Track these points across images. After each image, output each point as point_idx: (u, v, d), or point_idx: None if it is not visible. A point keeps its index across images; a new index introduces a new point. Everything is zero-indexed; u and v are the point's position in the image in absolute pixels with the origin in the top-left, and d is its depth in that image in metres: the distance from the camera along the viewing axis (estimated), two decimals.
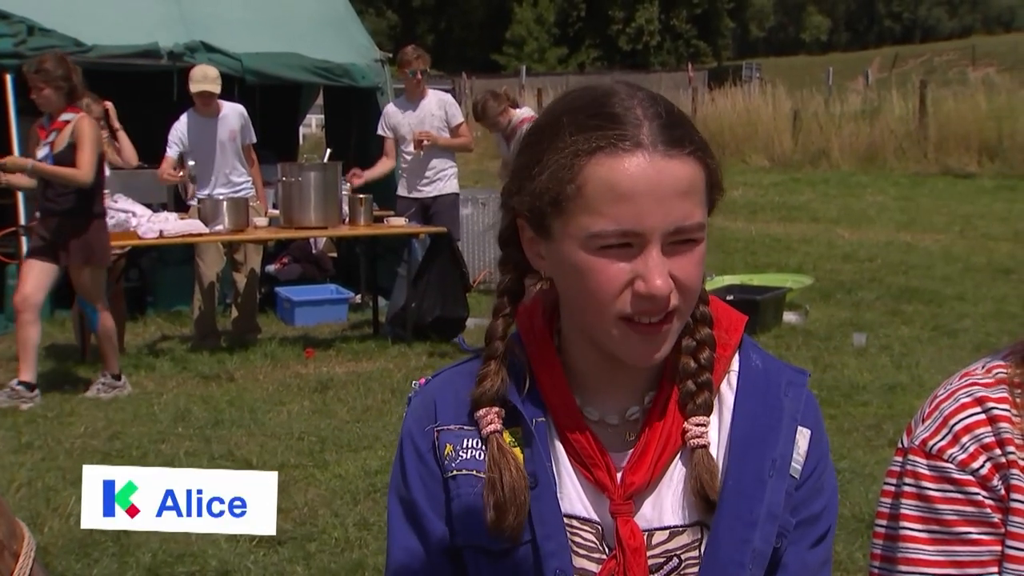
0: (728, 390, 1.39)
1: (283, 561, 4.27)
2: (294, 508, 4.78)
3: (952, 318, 8.64)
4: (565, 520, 1.35)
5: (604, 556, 1.35)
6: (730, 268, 10.28)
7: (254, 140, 8.39)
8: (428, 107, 8.58)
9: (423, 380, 1.49)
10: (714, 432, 1.38)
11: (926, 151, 18.94)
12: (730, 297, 7.61)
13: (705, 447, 1.35)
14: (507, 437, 1.37)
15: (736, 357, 1.41)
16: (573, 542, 1.36)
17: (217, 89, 7.96)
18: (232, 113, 8.21)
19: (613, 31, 52.69)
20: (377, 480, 5.13)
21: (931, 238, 12.81)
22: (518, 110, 8.91)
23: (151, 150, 8.17)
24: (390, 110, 8.73)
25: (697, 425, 1.35)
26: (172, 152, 7.98)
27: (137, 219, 7.39)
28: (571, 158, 1.26)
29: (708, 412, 1.36)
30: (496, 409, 1.37)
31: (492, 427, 1.37)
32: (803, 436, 1.37)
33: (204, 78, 7.94)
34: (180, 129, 8.00)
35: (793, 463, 1.36)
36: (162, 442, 5.80)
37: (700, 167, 1.28)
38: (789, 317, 8.68)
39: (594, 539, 1.36)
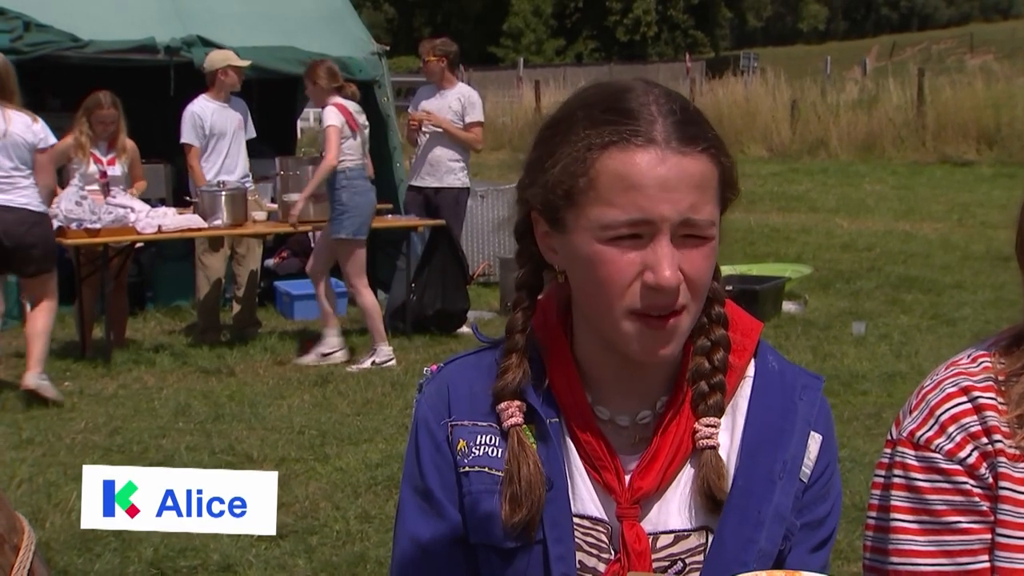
0: (742, 395, 1.39)
1: (284, 555, 4.27)
2: (295, 502, 4.79)
3: (951, 306, 8.65)
4: (577, 520, 1.35)
5: (612, 557, 1.35)
6: (729, 258, 10.26)
7: (252, 135, 8.38)
8: (448, 98, 8.50)
9: (435, 367, 1.48)
10: (727, 435, 1.38)
11: (924, 140, 18.93)
12: (729, 287, 7.56)
13: (714, 448, 1.35)
14: (525, 433, 1.37)
15: (752, 362, 1.41)
16: (584, 542, 1.36)
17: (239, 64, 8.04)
18: (240, 104, 8.27)
19: (611, 22, 52.60)
20: (378, 473, 5.13)
21: (930, 227, 12.80)
22: (331, 108, 7.16)
23: (148, 145, 8.15)
24: (419, 93, 8.77)
25: (707, 426, 1.35)
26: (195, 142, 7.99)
27: (136, 214, 7.38)
28: (584, 151, 1.27)
29: (719, 414, 1.36)
30: (518, 403, 1.37)
31: (513, 420, 1.36)
32: (814, 441, 1.38)
33: (211, 63, 8.02)
34: (197, 114, 7.96)
35: (803, 467, 1.36)
36: (163, 437, 5.80)
37: (713, 164, 1.28)
38: (788, 307, 8.68)
39: (605, 539, 1.36)
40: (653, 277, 1.25)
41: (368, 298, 7.39)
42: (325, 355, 7.42)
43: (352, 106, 7.27)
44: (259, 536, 4.39)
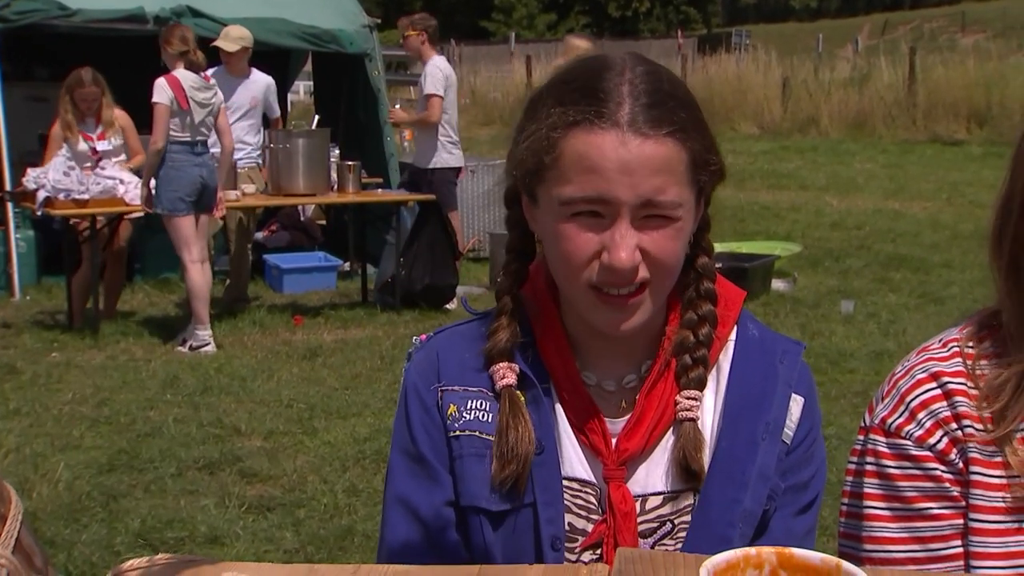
0: (725, 360, 1.42)
1: (272, 527, 4.28)
2: (283, 475, 4.79)
3: (939, 285, 8.67)
4: (566, 483, 1.38)
5: (600, 518, 1.38)
6: (718, 236, 10.10)
7: (276, 114, 8.43)
8: (420, 81, 8.59)
9: (423, 336, 1.50)
10: (710, 398, 1.41)
11: (915, 118, 18.92)
12: (718, 265, 7.58)
13: (694, 420, 1.38)
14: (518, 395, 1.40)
15: (734, 330, 1.44)
16: (573, 504, 1.38)
17: (232, 47, 8.05)
18: (260, 81, 8.34)
19: None
20: (366, 447, 5.14)
21: (919, 206, 12.82)
22: (160, 83, 6.81)
23: (136, 116, 8.09)
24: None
25: (688, 399, 1.38)
26: None
27: (125, 186, 7.35)
28: (548, 131, 1.30)
29: (701, 387, 1.39)
30: (511, 364, 1.39)
31: (506, 381, 1.39)
32: (796, 403, 1.40)
33: (224, 36, 8.00)
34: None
35: (786, 428, 1.39)
36: (150, 409, 5.80)
37: (680, 148, 1.29)
38: (777, 285, 8.69)
39: (594, 500, 1.39)
40: (608, 258, 1.28)
41: (193, 276, 6.94)
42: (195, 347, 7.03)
43: (190, 79, 6.83)
44: (246, 508, 4.40)
